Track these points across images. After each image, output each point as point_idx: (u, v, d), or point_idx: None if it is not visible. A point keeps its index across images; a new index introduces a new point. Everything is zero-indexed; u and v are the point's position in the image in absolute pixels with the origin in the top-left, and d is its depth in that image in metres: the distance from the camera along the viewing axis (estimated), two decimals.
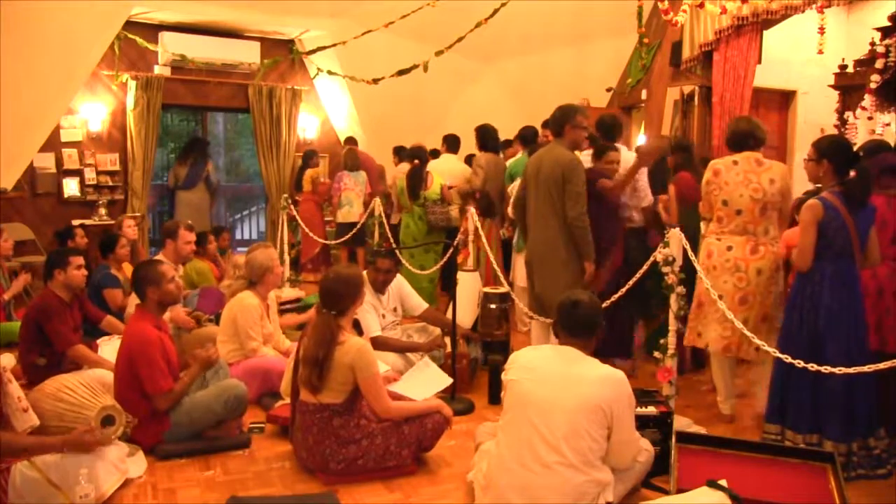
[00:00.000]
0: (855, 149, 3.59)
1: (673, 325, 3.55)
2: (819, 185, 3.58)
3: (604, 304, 3.23)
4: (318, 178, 8.16)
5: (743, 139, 3.86)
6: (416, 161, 6.54)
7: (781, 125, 8.10)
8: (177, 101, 8.74)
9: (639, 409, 3.05)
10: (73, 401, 3.20)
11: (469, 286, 5.14)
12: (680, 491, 2.71)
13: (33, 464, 2.80)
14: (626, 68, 8.44)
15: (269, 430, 3.76)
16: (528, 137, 6.23)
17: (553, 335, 3.05)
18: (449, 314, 4.44)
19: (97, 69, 7.92)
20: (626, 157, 4.78)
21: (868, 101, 5.61)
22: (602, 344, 3.58)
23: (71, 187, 8.01)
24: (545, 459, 2.55)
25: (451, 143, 6.83)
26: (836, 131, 5.80)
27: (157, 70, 8.35)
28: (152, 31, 8.24)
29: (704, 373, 4.64)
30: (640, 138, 7.97)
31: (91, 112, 8.09)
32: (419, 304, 4.82)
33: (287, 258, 7.35)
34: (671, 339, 3.53)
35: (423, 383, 3.86)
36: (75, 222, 7.39)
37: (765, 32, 6.44)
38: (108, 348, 4.27)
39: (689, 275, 3.63)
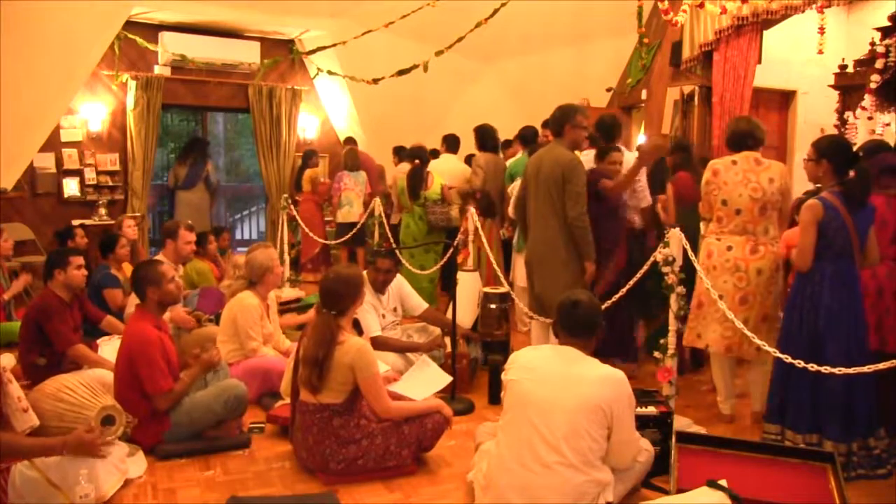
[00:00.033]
0: (855, 149, 3.60)
1: (673, 325, 3.55)
2: (819, 185, 3.59)
3: (604, 305, 3.23)
4: (317, 178, 8.16)
5: (742, 139, 3.86)
6: (417, 161, 6.54)
7: (781, 125, 8.10)
8: (177, 101, 8.74)
9: (639, 409, 3.05)
10: (73, 401, 3.20)
11: (469, 286, 5.14)
12: (680, 491, 2.71)
13: (33, 464, 2.80)
14: (626, 68, 8.44)
15: (269, 430, 3.76)
16: (528, 137, 6.23)
17: (553, 335, 3.05)
18: (449, 314, 4.44)
19: (97, 69, 7.92)
20: (628, 158, 4.79)
21: (868, 101, 5.61)
22: (602, 344, 3.59)
23: (71, 187, 8.01)
24: (545, 459, 2.55)
25: (451, 143, 6.83)
26: (836, 131, 5.80)
27: (157, 70, 8.35)
28: (152, 31, 8.24)
29: (704, 373, 4.64)
30: (640, 138, 7.98)
31: (91, 112, 8.09)
32: (419, 304, 4.82)
33: (287, 258, 7.35)
34: (671, 339, 3.54)
35: (423, 383, 3.87)
36: (75, 222, 7.39)
37: (765, 32, 6.43)
38: (108, 348, 4.27)
39: (688, 275, 3.63)
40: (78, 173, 8.04)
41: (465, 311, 4.99)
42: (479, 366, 4.74)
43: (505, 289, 4.89)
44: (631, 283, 3.89)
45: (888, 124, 5.81)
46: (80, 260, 4.19)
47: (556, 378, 2.64)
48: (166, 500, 3.02)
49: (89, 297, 4.72)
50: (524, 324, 5.81)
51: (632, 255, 4.61)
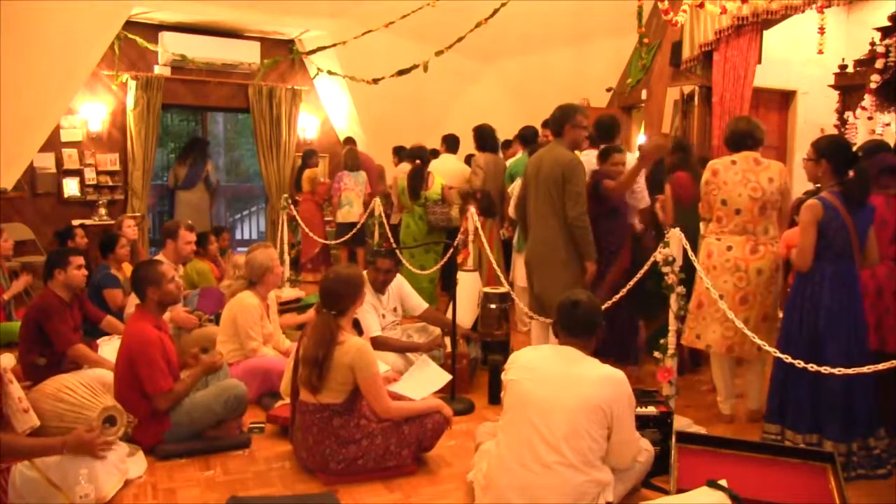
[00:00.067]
0: (854, 149, 3.60)
1: (673, 325, 3.55)
2: (818, 185, 3.59)
3: (604, 306, 3.23)
4: (316, 178, 8.17)
5: (741, 139, 3.86)
6: (418, 161, 6.54)
7: (781, 125, 8.11)
8: (177, 101, 8.75)
9: (639, 409, 3.05)
10: (74, 401, 3.20)
11: (469, 286, 5.14)
12: (680, 491, 2.71)
13: (33, 464, 2.80)
14: (626, 68, 8.44)
15: (269, 430, 3.76)
16: (528, 137, 6.23)
17: (553, 335, 3.05)
18: (449, 314, 4.44)
19: (97, 69, 7.92)
20: (629, 159, 4.78)
21: (868, 101, 5.62)
22: (602, 344, 3.59)
23: (71, 187, 8.01)
24: (545, 459, 2.55)
25: (451, 143, 6.83)
26: (836, 131, 5.81)
27: (157, 70, 8.35)
28: (152, 31, 8.24)
29: (704, 373, 4.64)
30: (641, 138, 7.98)
31: (91, 112, 8.09)
32: (419, 304, 4.82)
33: (287, 258, 7.35)
34: (671, 339, 3.54)
35: (423, 382, 3.87)
36: (75, 222, 7.39)
37: (765, 32, 6.44)
38: (108, 348, 4.27)
39: (688, 275, 3.63)
40: (78, 173, 8.04)
41: (465, 311, 4.99)
42: (478, 366, 4.74)
43: (505, 289, 4.89)
44: (631, 283, 3.89)
45: (888, 124, 5.82)
46: (80, 260, 4.19)
47: (556, 378, 2.64)
48: (166, 500, 3.02)
49: (89, 297, 4.72)
50: (524, 324, 5.81)
51: (633, 256, 4.61)
